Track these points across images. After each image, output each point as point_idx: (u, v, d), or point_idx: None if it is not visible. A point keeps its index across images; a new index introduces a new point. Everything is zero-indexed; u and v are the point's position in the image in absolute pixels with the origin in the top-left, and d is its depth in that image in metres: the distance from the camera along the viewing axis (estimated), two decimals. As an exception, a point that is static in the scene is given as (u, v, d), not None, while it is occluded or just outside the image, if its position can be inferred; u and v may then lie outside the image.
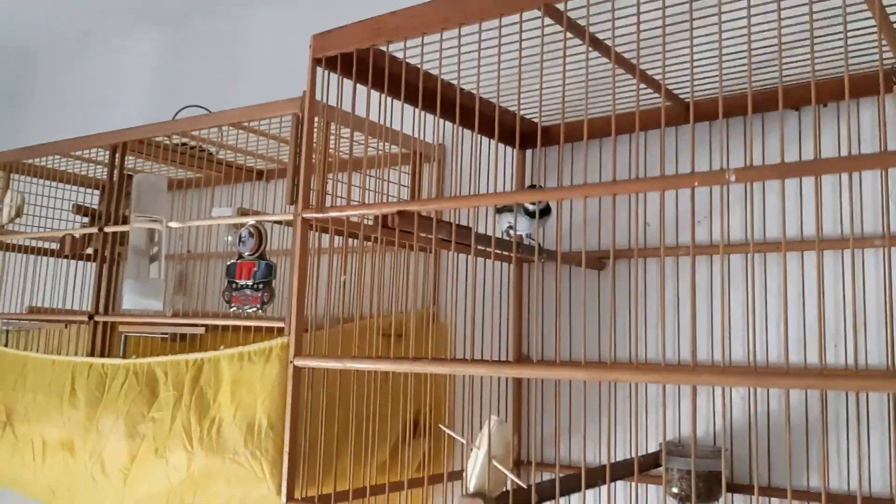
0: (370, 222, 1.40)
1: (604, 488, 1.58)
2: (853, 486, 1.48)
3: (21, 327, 2.31)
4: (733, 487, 1.56)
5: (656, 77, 1.49)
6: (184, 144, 2.11)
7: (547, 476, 1.50)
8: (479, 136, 1.33)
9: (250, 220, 1.72)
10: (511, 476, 1.15)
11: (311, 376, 1.43)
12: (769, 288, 1.60)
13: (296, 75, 1.55)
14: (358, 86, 1.41)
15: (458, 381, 1.90)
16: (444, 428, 1.36)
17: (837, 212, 1.53)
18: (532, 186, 1.84)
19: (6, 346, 2.22)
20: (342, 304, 1.64)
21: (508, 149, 1.88)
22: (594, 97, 1.61)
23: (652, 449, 1.65)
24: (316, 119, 1.45)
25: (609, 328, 1.53)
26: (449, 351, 1.91)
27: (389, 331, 1.76)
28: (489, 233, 1.60)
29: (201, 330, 1.83)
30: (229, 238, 1.77)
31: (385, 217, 1.31)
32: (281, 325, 1.60)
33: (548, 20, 1.18)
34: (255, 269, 1.70)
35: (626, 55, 1.36)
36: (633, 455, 1.57)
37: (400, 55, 1.35)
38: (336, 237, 1.75)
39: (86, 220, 2.36)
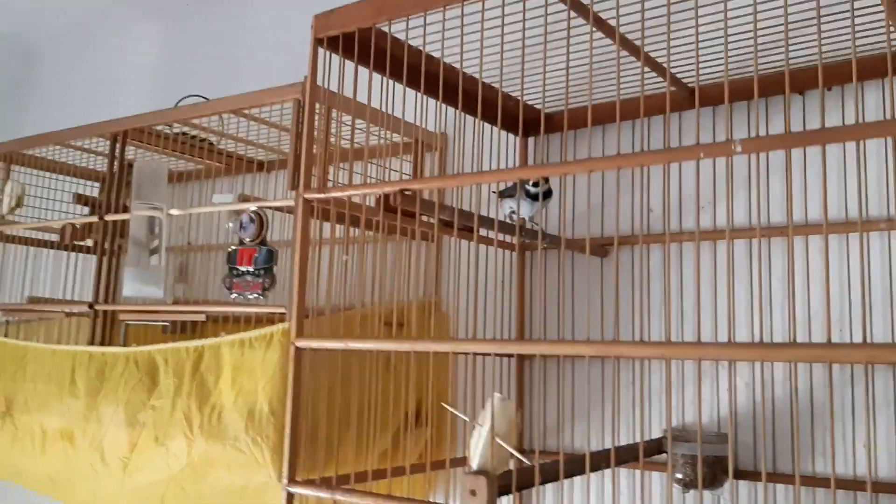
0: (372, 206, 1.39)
1: (607, 474, 1.57)
2: (860, 471, 1.47)
3: (21, 318, 2.30)
4: (737, 473, 1.55)
5: (660, 60, 1.49)
6: (184, 134, 2.10)
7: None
8: (481, 124, 1.32)
9: (251, 207, 1.71)
10: (515, 454, 1.14)
11: (312, 361, 1.42)
12: (774, 273, 1.59)
13: (298, 64, 1.54)
14: (360, 70, 1.40)
15: (460, 370, 1.89)
16: (446, 406, 1.35)
17: (843, 195, 1.52)
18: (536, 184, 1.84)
19: (6, 336, 2.21)
20: (344, 292, 1.63)
21: (511, 137, 1.87)
22: (598, 82, 1.60)
23: (655, 436, 1.64)
24: (317, 105, 1.44)
25: (613, 313, 1.52)
26: (451, 340, 1.90)
27: (391, 319, 1.75)
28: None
29: (202, 317, 1.83)
30: (230, 225, 1.76)
31: (387, 197, 1.30)
32: (282, 310, 1.59)
33: (551, -1, 1.18)
34: (257, 254, 1.69)
35: (630, 37, 1.35)
36: (636, 441, 1.56)
37: (402, 36, 1.35)
38: (338, 225, 1.74)
39: (86, 209, 2.36)
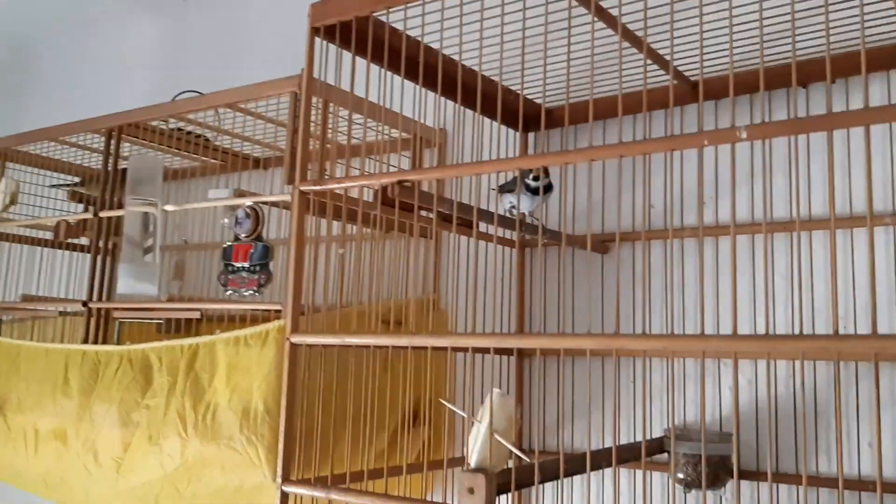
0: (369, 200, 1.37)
1: (608, 474, 1.55)
2: (864, 471, 1.45)
3: (15, 317, 2.28)
4: (739, 473, 1.52)
5: (663, 53, 1.47)
6: (180, 130, 2.08)
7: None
8: (481, 119, 1.30)
9: (247, 202, 1.68)
10: (514, 450, 1.11)
11: (308, 358, 1.40)
12: (777, 269, 1.57)
13: (296, 60, 1.52)
14: (358, 63, 1.38)
15: (459, 370, 1.87)
16: (444, 402, 1.33)
17: (846, 190, 1.50)
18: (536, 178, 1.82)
19: (-1, 335, 2.19)
20: (341, 289, 1.61)
21: (511, 133, 1.85)
22: (599, 75, 1.58)
23: (656, 435, 1.61)
24: (314, 99, 1.42)
25: (614, 310, 1.50)
26: (449, 338, 1.87)
27: (389, 317, 1.73)
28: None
29: (197, 314, 1.80)
30: (226, 221, 1.73)
31: (385, 190, 1.28)
32: (278, 308, 1.57)
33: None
34: (252, 251, 1.67)
35: (631, 28, 1.33)
36: (637, 440, 1.54)
37: (400, 26, 1.33)
38: (334, 223, 1.72)
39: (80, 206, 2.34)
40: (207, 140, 2.16)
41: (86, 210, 2.15)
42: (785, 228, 1.56)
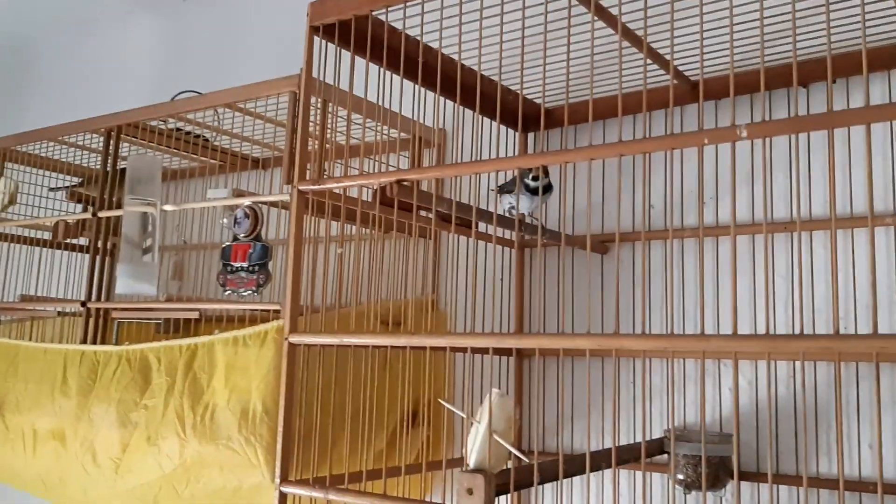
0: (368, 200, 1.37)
1: (607, 474, 1.54)
2: (865, 472, 1.44)
3: (14, 317, 2.28)
4: (740, 474, 1.52)
5: (663, 52, 1.46)
6: (179, 130, 2.08)
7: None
8: (480, 119, 1.30)
9: (246, 201, 1.68)
10: (513, 451, 1.11)
11: (306, 358, 1.39)
12: (777, 269, 1.57)
13: (295, 60, 1.52)
14: (357, 62, 1.38)
15: (458, 370, 1.87)
16: (443, 402, 1.32)
17: (847, 190, 1.50)
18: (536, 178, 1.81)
19: (-2, 335, 2.19)
20: (339, 289, 1.61)
21: (510, 133, 1.85)
22: (599, 75, 1.57)
23: (656, 436, 1.61)
24: (313, 99, 1.42)
25: (613, 311, 1.49)
26: (448, 339, 1.87)
27: (388, 318, 1.72)
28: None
29: (195, 314, 1.80)
30: (224, 221, 1.73)
31: (384, 190, 1.27)
32: (277, 307, 1.57)
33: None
34: (251, 250, 1.67)
35: (631, 27, 1.33)
36: (637, 441, 1.53)
37: (399, 25, 1.32)
38: (333, 223, 1.72)
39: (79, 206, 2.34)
40: (206, 140, 2.16)
41: (85, 210, 2.15)
42: (785, 228, 1.55)
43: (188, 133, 2.10)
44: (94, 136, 2.14)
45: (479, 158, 1.28)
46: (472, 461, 1.12)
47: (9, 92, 3.42)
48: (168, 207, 1.86)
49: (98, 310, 1.96)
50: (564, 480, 1.16)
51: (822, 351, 1.37)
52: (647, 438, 1.57)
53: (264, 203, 1.70)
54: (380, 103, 1.35)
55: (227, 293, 1.70)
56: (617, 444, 1.14)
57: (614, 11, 1.26)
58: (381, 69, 1.35)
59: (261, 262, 1.66)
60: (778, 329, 1.53)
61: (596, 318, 1.72)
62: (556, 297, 1.79)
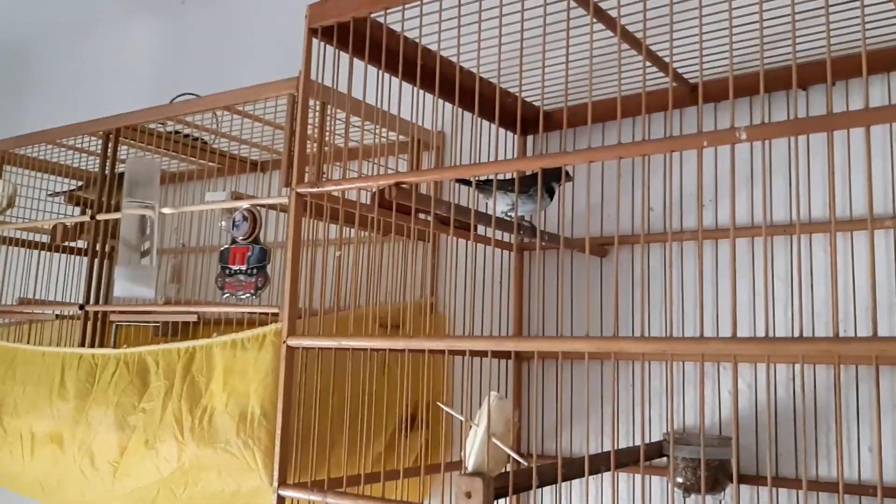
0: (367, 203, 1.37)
1: (606, 478, 1.54)
2: (864, 476, 1.44)
3: (12, 320, 2.27)
4: (739, 478, 1.51)
5: (661, 55, 1.46)
6: (177, 132, 2.07)
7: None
8: (479, 122, 1.29)
9: (244, 204, 1.68)
10: (512, 454, 1.10)
11: (305, 361, 1.39)
12: (776, 271, 1.56)
13: (294, 64, 1.51)
14: (356, 65, 1.38)
15: (457, 373, 1.86)
16: (441, 405, 1.32)
17: (847, 193, 1.50)
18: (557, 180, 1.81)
19: (-4, 339, 2.18)
20: (338, 292, 1.61)
21: (509, 136, 1.85)
22: (598, 77, 1.57)
23: (655, 439, 1.61)
24: (312, 101, 1.42)
25: (612, 314, 1.50)
26: (447, 342, 1.87)
27: (386, 321, 1.72)
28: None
29: (194, 317, 1.79)
30: (223, 224, 1.73)
31: (382, 192, 1.27)
32: (275, 310, 1.56)
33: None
34: (249, 253, 1.66)
35: (630, 30, 1.33)
36: (636, 444, 1.53)
37: (398, 27, 1.32)
38: (332, 226, 1.72)
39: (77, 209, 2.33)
40: (205, 143, 2.15)
41: (83, 213, 2.15)
42: (785, 231, 1.55)
43: (187, 136, 2.10)
44: (93, 138, 2.14)
45: (477, 161, 1.28)
46: (470, 464, 1.12)
47: (8, 93, 3.42)
48: (166, 210, 1.86)
49: (96, 313, 1.95)
50: (563, 484, 1.16)
51: (822, 354, 1.37)
52: (647, 442, 1.57)
53: (263, 206, 1.70)
54: (378, 106, 1.35)
55: (225, 296, 1.69)
56: (616, 448, 1.14)
57: (613, 14, 1.26)
58: (380, 71, 1.35)
59: (259, 265, 1.66)
60: (777, 332, 1.53)
61: (595, 321, 1.72)
62: (554, 299, 1.79)
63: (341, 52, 1.37)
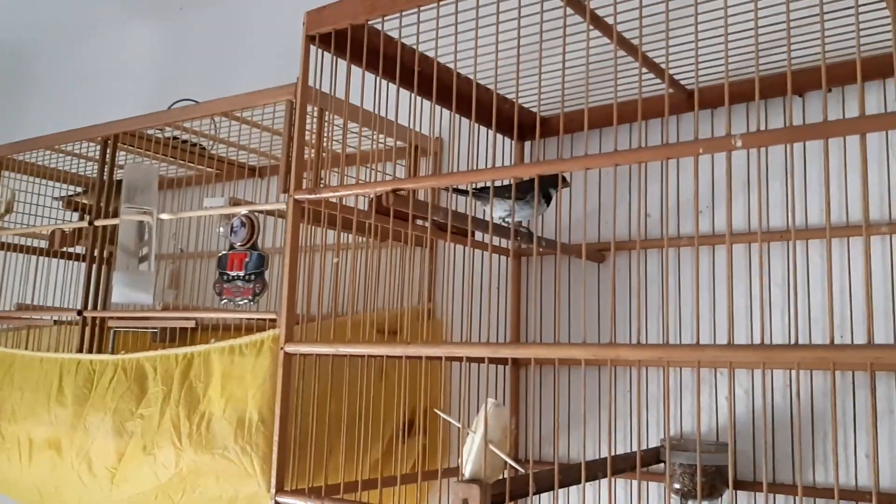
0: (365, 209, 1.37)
1: (604, 484, 1.54)
2: (861, 482, 1.44)
3: (10, 327, 2.27)
4: (736, 484, 1.52)
5: (658, 61, 1.47)
6: (175, 138, 2.08)
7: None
8: (476, 128, 1.30)
9: (242, 210, 1.68)
10: (509, 461, 1.10)
11: (302, 368, 1.39)
12: (773, 278, 1.57)
13: (293, 70, 1.52)
14: (353, 72, 1.38)
15: (455, 380, 1.86)
16: (439, 412, 1.32)
17: (843, 199, 1.50)
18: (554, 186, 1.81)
19: (-7, 344, 2.18)
20: (335, 298, 1.61)
21: (506, 142, 1.85)
22: (595, 84, 1.58)
23: (653, 445, 1.61)
24: (309, 108, 1.42)
25: (609, 320, 1.50)
26: (444, 348, 1.87)
27: (384, 327, 1.72)
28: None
29: (191, 323, 1.80)
30: (221, 229, 1.73)
31: (379, 199, 1.27)
32: (273, 316, 1.57)
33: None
34: (247, 259, 1.67)
35: (627, 37, 1.33)
36: (633, 450, 1.53)
37: (395, 34, 1.32)
38: (329, 232, 1.72)
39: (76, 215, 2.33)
40: (203, 149, 2.16)
41: (81, 219, 2.15)
42: (781, 237, 1.55)
43: (185, 142, 2.10)
44: (91, 144, 2.14)
45: (475, 167, 1.28)
46: (467, 471, 1.12)
47: (7, 94, 3.42)
48: (164, 216, 1.86)
49: (94, 318, 1.95)
50: (560, 490, 1.16)
51: (818, 360, 1.37)
52: (644, 448, 1.57)
53: (261, 212, 1.70)
54: (376, 112, 1.36)
55: (223, 302, 1.70)
56: (613, 454, 1.14)
57: (610, 20, 1.27)
58: (378, 78, 1.36)
59: (257, 271, 1.66)
60: (774, 338, 1.53)
61: (592, 327, 1.72)
62: (552, 306, 1.79)
63: (339, 59, 1.37)
